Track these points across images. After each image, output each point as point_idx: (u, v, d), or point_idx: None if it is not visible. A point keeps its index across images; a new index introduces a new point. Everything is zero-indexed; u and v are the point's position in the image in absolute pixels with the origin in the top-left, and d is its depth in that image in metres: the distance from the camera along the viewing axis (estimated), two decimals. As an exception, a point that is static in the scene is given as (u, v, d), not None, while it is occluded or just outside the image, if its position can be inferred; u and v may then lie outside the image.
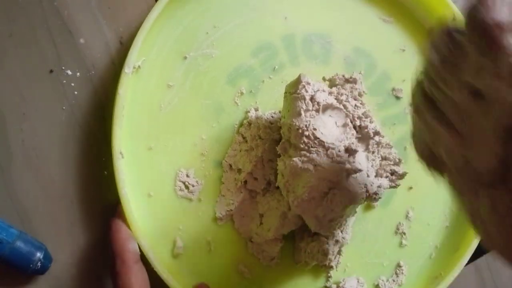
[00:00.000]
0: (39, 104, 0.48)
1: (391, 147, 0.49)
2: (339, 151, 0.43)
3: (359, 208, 0.51)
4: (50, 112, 0.48)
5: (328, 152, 0.43)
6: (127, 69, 0.46)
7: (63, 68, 0.49)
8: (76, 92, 0.49)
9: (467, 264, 0.52)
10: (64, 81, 0.49)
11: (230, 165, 0.50)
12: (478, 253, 0.57)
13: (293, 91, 0.45)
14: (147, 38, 0.47)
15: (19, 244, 0.44)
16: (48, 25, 0.49)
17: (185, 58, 0.50)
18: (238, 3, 0.51)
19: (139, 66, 0.47)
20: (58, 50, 0.49)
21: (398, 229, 0.53)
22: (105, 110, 0.48)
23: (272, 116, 0.50)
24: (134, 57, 0.46)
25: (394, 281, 0.52)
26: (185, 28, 0.50)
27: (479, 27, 0.26)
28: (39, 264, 0.44)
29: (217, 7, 0.51)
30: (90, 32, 0.50)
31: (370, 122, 0.46)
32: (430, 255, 0.54)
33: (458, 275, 0.52)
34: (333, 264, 0.49)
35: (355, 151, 0.43)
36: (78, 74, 0.49)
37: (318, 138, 0.43)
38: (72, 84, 0.49)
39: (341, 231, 0.48)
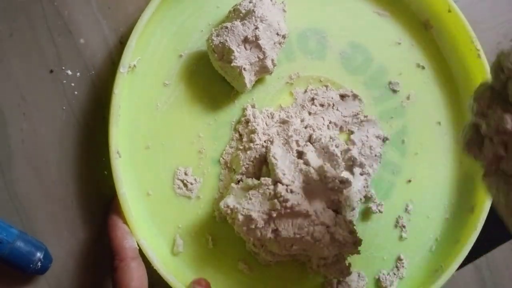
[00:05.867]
0: (39, 104, 0.46)
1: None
2: None
3: (358, 203, 0.48)
4: (50, 112, 0.46)
5: None
6: (122, 68, 0.44)
7: (63, 68, 0.47)
8: (76, 92, 0.47)
9: (467, 264, 0.49)
10: (64, 81, 0.47)
11: (227, 163, 0.47)
12: (478, 253, 0.54)
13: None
14: (142, 38, 0.45)
15: (19, 244, 0.42)
16: (48, 25, 0.47)
17: (181, 56, 0.47)
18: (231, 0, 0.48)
19: (134, 66, 0.45)
20: (58, 50, 0.47)
21: (397, 222, 0.50)
22: (105, 110, 0.46)
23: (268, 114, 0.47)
24: (129, 57, 0.44)
25: (394, 274, 0.49)
26: (180, 27, 0.48)
27: None
28: (39, 264, 0.42)
29: (210, 5, 0.49)
30: (90, 32, 0.48)
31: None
32: (430, 248, 0.51)
33: (458, 275, 0.49)
34: None
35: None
36: (78, 74, 0.47)
37: None
38: (72, 84, 0.47)
39: None
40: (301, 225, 0.41)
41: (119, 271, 0.41)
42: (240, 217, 0.41)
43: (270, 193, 0.41)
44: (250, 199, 0.41)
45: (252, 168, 0.45)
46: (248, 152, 0.46)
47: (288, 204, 0.40)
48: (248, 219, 0.40)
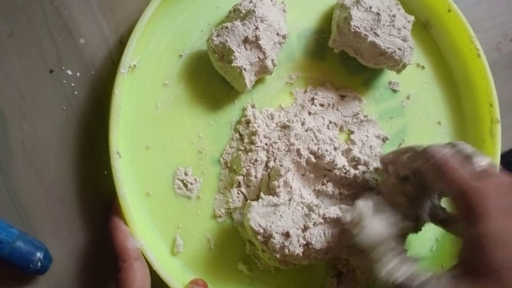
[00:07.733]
0: (39, 104, 0.46)
1: None
2: None
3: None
4: (50, 112, 0.46)
5: None
6: (123, 69, 0.44)
7: (63, 68, 0.46)
8: (76, 92, 0.47)
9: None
10: (64, 81, 0.46)
11: (227, 163, 0.47)
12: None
13: None
14: (142, 38, 0.45)
15: (19, 244, 0.42)
16: (48, 25, 0.47)
17: (180, 56, 0.47)
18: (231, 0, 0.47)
19: (134, 66, 0.45)
20: (58, 50, 0.47)
21: (398, 222, 0.49)
22: (105, 110, 0.46)
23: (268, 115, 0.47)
24: (129, 57, 0.44)
25: (395, 274, 0.48)
26: (180, 27, 0.47)
27: None
28: (39, 264, 0.42)
29: (210, 5, 0.48)
30: (90, 32, 0.47)
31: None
32: (431, 248, 0.51)
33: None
34: None
35: None
36: (78, 74, 0.47)
37: None
38: (72, 84, 0.47)
39: None
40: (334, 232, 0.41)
41: (122, 271, 0.41)
42: (276, 236, 0.40)
43: (303, 207, 0.42)
44: (282, 216, 0.41)
45: (253, 171, 0.45)
46: (249, 153, 0.45)
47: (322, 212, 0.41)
48: (286, 236, 0.40)
